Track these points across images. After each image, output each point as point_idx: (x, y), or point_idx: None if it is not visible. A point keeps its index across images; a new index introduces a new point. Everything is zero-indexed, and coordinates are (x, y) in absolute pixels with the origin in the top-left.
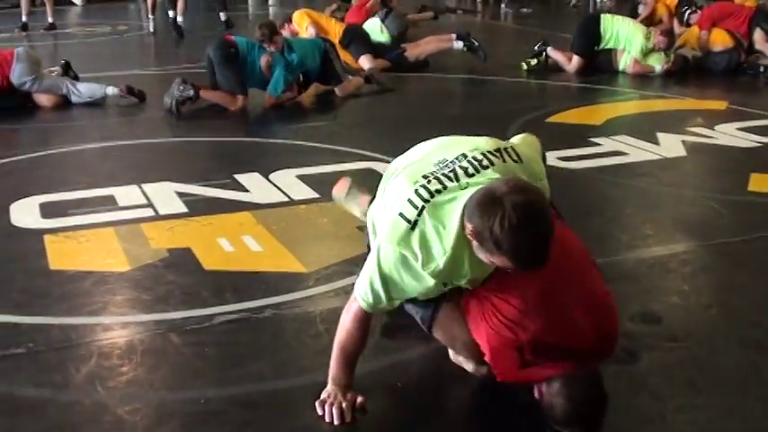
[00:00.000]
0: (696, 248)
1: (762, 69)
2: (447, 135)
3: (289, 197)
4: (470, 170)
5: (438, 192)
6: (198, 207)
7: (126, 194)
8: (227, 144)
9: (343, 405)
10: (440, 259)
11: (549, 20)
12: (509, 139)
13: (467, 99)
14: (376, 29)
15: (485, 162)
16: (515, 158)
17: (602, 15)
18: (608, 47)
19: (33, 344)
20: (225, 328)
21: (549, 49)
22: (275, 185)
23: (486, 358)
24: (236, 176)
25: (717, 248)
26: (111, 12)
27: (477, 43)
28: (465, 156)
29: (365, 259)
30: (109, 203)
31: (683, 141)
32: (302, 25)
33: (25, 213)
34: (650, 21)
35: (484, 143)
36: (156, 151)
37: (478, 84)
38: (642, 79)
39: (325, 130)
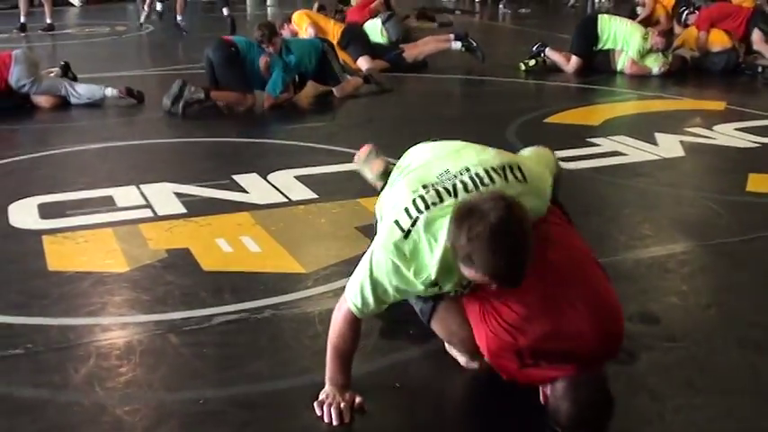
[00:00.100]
0: (694, 249)
1: (760, 70)
2: (446, 136)
3: (287, 198)
4: (470, 186)
5: (434, 204)
6: (196, 208)
7: (125, 195)
8: (226, 145)
9: (342, 405)
10: (430, 269)
11: (547, 20)
12: (519, 150)
13: (465, 100)
14: (376, 30)
15: (485, 180)
16: (519, 177)
17: (599, 16)
18: (606, 47)
19: (32, 344)
20: (223, 329)
21: (547, 49)
22: (274, 186)
23: (486, 358)
24: (235, 177)
25: (715, 249)
26: (110, 12)
27: (475, 44)
28: (468, 170)
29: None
30: (107, 204)
31: (681, 142)
32: (301, 26)
33: (24, 214)
34: (648, 21)
35: (491, 158)
36: (155, 152)
37: (477, 84)
38: (640, 80)
39: (324, 131)
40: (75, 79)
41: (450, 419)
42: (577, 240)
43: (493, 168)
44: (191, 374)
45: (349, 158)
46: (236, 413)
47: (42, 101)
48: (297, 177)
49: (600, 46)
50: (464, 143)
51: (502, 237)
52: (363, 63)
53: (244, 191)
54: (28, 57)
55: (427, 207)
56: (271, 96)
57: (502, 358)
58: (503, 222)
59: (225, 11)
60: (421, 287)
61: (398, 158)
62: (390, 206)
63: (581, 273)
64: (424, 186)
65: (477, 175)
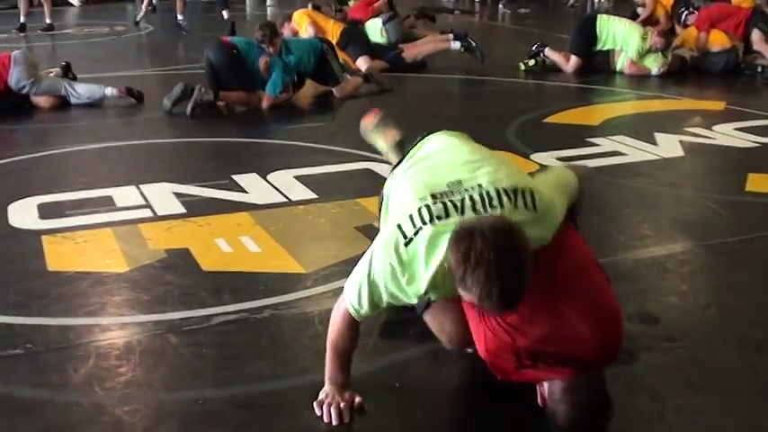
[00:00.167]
0: (694, 248)
1: (759, 69)
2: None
3: (287, 198)
4: (478, 206)
5: (438, 219)
6: (196, 208)
7: (124, 195)
8: (225, 145)
9: (342, 405)
10: (421, 281)
11: (546, 20)
12: (529, 154)
13: (465, 99)
14: (376, 30)
15: (494, 201)
16: (529, 205)
17: (598, 16)
18: (605, 48)
19: (31, 345)
20: (223, 329)
21: (546, 49)
22: (273, 186)
23: (483, 357)
24: (235, 177)
25: (714, 248)
26: (109, 12)
27: (474, 44)
28: (480, 186)
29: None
30: (107, 204)
31: (680, 141)
32: (302, 25)
33: (23, 214)
34: (649, 21)
35: (506, 178)
36: (154, 152)
37: (476, 84)
38: (640, 80)
39: (323, 131)
40: (75, 79)
41: (450, 419)
42: (579, 241)
43: (505, 190)
44: (190, 374)
45: (349, 158)
46: (236, 413)
47: (42, 101)
48: (296, 177)
49: (599, 46)
50: (482, 151)
51: (496, 264)
52: (362, 63)
53: (243, 191)
54: (27, 58)
55: (431, 220)
56: (270, 96)
57: (499, 358)
58: (499, 249)
59: (225, 14)
60: (411, 295)
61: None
62: (397, 204)
63: (583, 275)
64: (433, 196)
65: (487, 194)
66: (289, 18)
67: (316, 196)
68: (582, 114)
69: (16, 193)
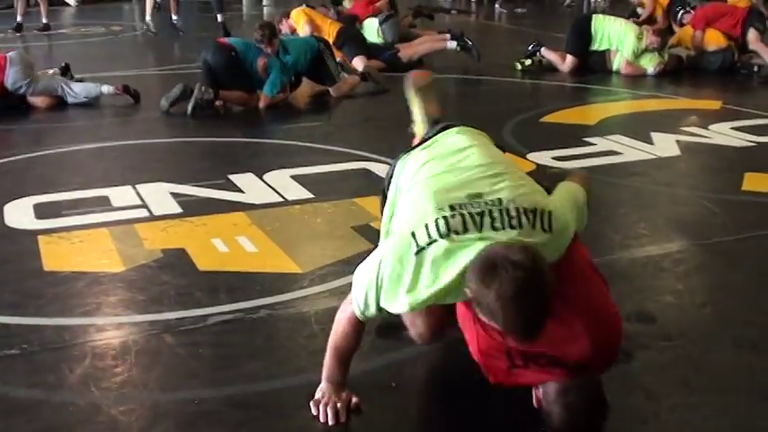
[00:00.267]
0: (690, 248)
1: (755, 69)
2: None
3: (283, 197)
4: (497, 223)
5: (456, 233)
6: (192, 207)
7: (120, 195)
8: (222, 144)
9: (339, 405)
10: (423, 293)
11: (543, 20)
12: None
13: (461, 99)
14: (373, 30)
15: (514, 221)
16: (546, 227)
17: (593, 15)
18: (601, 48)
19: (27, 345)
20: (219, 329)
21: (543, 49)
22: (270, 186)
23: (476, 359)
24: (231, 177)
25: (710, 248)
26: (106, 12)
27: (470, 43)
28: (501, 202)
29: (361, 259)
30: (103, 204)
31: (677, 141)
32: (299, 23)
33: (19, 214)
34: (649, 21)
35: (526, 196)
36: (151, 152)
37: (473, 84)
38: (636, 79)
39: (320, 131)
40: (73, 80)
41: (446, 419)
42: (575, 244)
43: (525, 210)
44: (186, 374)
45: (346, 158)
46: (232, 413)
47: (38, 101)
48: (293, 177)
49: (594, 46)
50: (502, 161)
51: (526, 298)
52: (358, 63)
53: (240, 191)
54: (23, 58)
55: (448, 233)
56: (267, 96)
57: (492, 357)
58: (529, 283)
59: (219, 17)
60: (404, 304)
61: (393, 158)
62: (409, 205)
63: (579, 278)
64: (452, 207)
65: (507, 211)
66: (287, 14)
67: (312, 196)
68: (578, 114)
69: (12, 193)
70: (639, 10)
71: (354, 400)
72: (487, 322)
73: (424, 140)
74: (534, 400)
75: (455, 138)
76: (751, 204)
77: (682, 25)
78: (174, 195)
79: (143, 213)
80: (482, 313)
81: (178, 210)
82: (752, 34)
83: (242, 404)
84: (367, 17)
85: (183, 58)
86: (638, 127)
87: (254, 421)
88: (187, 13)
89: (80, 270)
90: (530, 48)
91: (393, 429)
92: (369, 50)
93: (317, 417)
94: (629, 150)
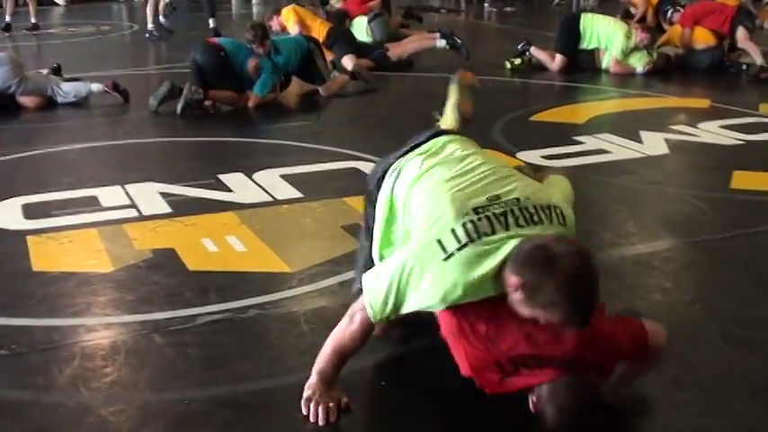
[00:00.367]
0: (679, 246)
1: (744, 67)
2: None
3: (273, 197)
4: (521, 221)
5: (485, 235)
6: (181, 207)
7: (109, 195)
8: (211, 144)
9: (330, 405)
10: (453, 292)
11: (532, 19)
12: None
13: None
14: (362, 28)
15: (535, 218)
16: (561, 221)
17: (582, 14)
18: (590, 47)
19: (16, 345)
20: (208, 329)
21: (532, 48)
22: (259, 185)
23: (467, 373)
24: (220, 176)
25: (699, 246)
26: (95, 12)
27: (459, 42)
28: (518, 201)
29: (351, 258)
30: (92, 204)
31: (665, 139)
32: (289, 22)
33: (8, 214)
34: (643, 21)
35: (536, 192)
36: (140, 151)
37: None
38: (625, 78)
39: (309, 130)
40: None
41: (436, 419)
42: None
43: (540, 206)
44: (175, 374)
45: (335, 157)
46: (221, 413)
47: (28, 101)
48: (282, 176)
49: (583, 45)
50: (505, 164)
51: (587, 284)
52: (348, 62)
53: (229, 190)
54: (12, 58)
55: (479, 236)
56: (257, 96)
57: (483, 370)
58: (588, 268)
59: (211, 22)
60: (437, 305)
61: (382, 157)
62: (425, 214)
63: None
64: (476, 211)
65: (526, 209)
66: (278, 11)
67: (301, 195)
68: (567, 113)
69: (1, 193)
70: (633, 10)
71: (344, 400)
72: (533, 314)
73: (416, 145)
74: (530, 405)
75: (452, 145)
76: (739, 202)
77: (671, 23)
78: (164, 195)
79: (132, 213)
80: (533, 305)
81: (167, 209)
82: (741, 33)
83: (232, 404)
84: (358, 15)
85: (171, 58)
86: (627, 125)
87: (244, 421)
88: (177, 11)
89: (69, 270)
90: (519, 47)
91: (383, 429)
92: (358, 49)
93: (308, 417)
94: (618, 149)
